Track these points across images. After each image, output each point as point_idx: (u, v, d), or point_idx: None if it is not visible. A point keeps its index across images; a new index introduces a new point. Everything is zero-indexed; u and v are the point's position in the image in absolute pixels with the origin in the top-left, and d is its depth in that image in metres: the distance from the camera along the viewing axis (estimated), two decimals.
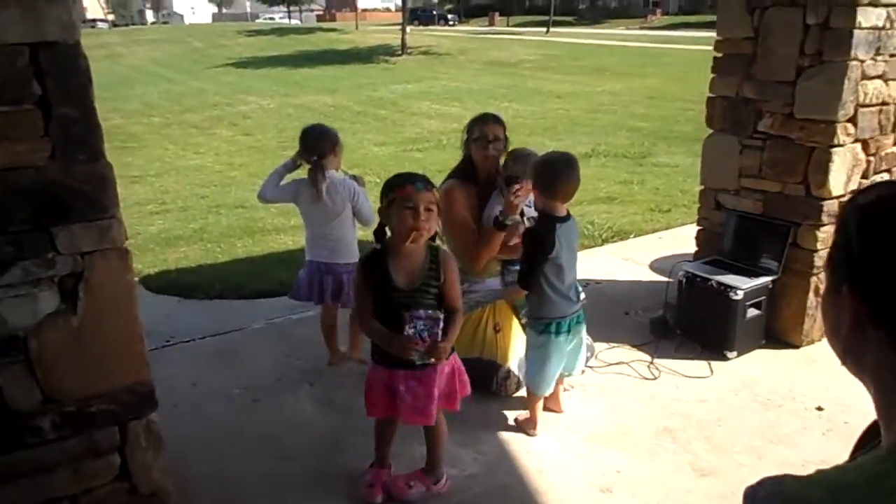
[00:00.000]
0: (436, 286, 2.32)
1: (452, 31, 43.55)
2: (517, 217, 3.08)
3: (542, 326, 2.88)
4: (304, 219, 3.57)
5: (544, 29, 39.79)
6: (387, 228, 2.31)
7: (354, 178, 3.57)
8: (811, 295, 3.59)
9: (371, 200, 3.43)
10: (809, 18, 3.34)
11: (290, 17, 72.15)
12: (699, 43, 24.44)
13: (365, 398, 2.50)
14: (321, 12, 75.30)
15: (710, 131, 4.01)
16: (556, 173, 2.77)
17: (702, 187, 4.12)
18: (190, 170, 9.22)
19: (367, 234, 3.19)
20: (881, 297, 0.74)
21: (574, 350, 2.98)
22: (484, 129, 3.28)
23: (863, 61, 3.34)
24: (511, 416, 3.11)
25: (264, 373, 3.53)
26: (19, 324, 1.67)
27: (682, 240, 5.08)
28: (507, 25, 51.56)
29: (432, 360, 2.28)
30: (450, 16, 56.95)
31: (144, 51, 31.31)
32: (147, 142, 11.44)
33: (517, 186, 2.97)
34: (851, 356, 0.84)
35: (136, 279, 4.72)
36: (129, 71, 24.51)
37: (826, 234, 3.51)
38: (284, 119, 13.13)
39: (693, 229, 4.36)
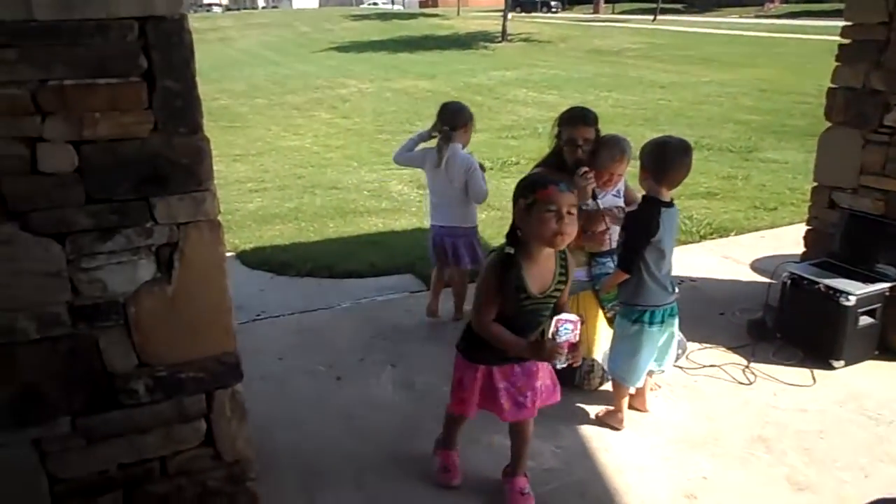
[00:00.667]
0: (561, 290, 2.25)
1: (555, 18, 42.82)
2: (589, 202, 3.00)
3: (637, 314, 2.79)
4: (428, 185, 3.91)
5: (651, 16, 38.45)
6: (518, 232, 2.17)
7: (480, 164, 3.77)
8: None
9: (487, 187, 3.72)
10: None
11: (393, 2, 73.12)
12: (820, 32, 22.98)
13: (454, 396, 2.44)
14: None
15: (828, 125, 3.73)
16: (668, 158, 2.69)
17: (815, 184, 3.85)
18: (289, 150, 9.50)
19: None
20: None
21: (665, 344, 2.88)
22: (573, 132, 3.13)
23: None
24: (593, 411, 3.03)
25: (348, 351, 3.59)
26: (119, 290, 1.75)
27: (787, 240, 4.78)
28: (613, 12, 50.15)
29: (570, 363, 2.17)
30: (553, 2, 55.87)
31: (255, 34, 32.55)
32: (251, 122, 11.87)
33: (584, 170, 2.95)
34: None
35: (233, 254, 4.92)
36: (239, 54, 25.55)
37: None
38: (382, 103, 13.32)
39: (800, 229, 4.08)
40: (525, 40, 27.09)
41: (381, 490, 2.58)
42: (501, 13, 29.83)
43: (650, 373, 2.95)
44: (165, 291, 1.79)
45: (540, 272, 2.18)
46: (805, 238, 3.94)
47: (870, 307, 3.33)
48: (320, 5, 76.06)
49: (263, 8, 77.09)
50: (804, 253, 3.93)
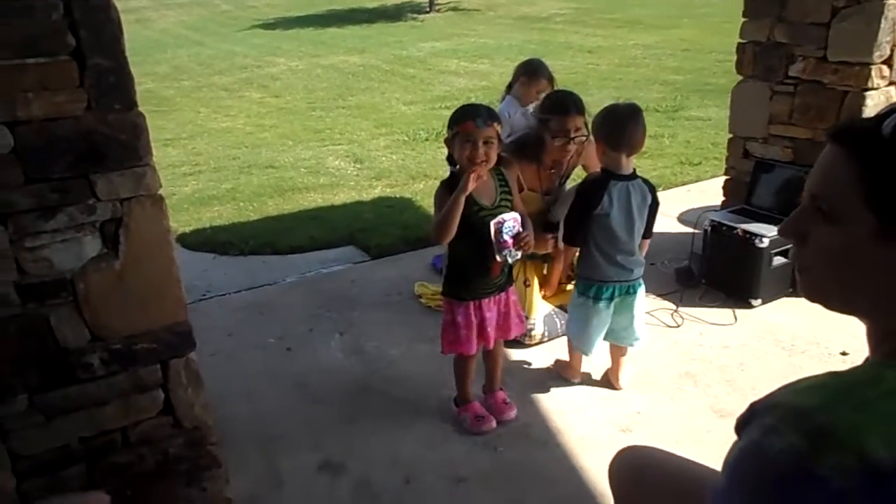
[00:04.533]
0: (510, 200, 2.53)
1: None
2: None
3: (583, 287, 2.79)
4: None
5: None
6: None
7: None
8: None
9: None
10: None
11: None
12: None
13: (448, 338, 2.63)
14: None
15: (739, 79, 3.96)
16: (618, 122, 2.66)
17: (730, 136, 4.09)
18: (221, 132, 9.33)
19: None
20: None
21: (624, 323, 2.84)
22: (565, 122, 2.99)
23: None
24: (535, 362, 3.19)
25: (297, 323, 3.65)
26: (66, 267, 1.77)
27: (711, 192, 5.04)
28: None
29: (520, 253, 2.46)
30: None
31: (174, 14, 31.35)
32: (179, 105, 11.57)
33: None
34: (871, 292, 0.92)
35: (173, 237, 4.89)
36: (160, 35, 24.62)
37: None
38: (313, 80, 13.12)
39: (722, 181, 4.33)
40: (453, 9, 26.96)
41: (337, 449, 2.68)
42: None
43: (619, 349, 2.92)
44: (113, 266, 1.82)
45: (484, 187, 2.45)
46: (724, 187, 4.20)
47: (782, 248, 3.58)
48: None
49: None
50: (724, 202, 4.18)
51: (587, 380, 3.06)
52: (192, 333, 2.00)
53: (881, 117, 0.90)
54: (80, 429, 1.90)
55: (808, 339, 3.28)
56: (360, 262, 4.45)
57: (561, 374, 3.08)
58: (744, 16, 3.84)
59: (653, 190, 2.82)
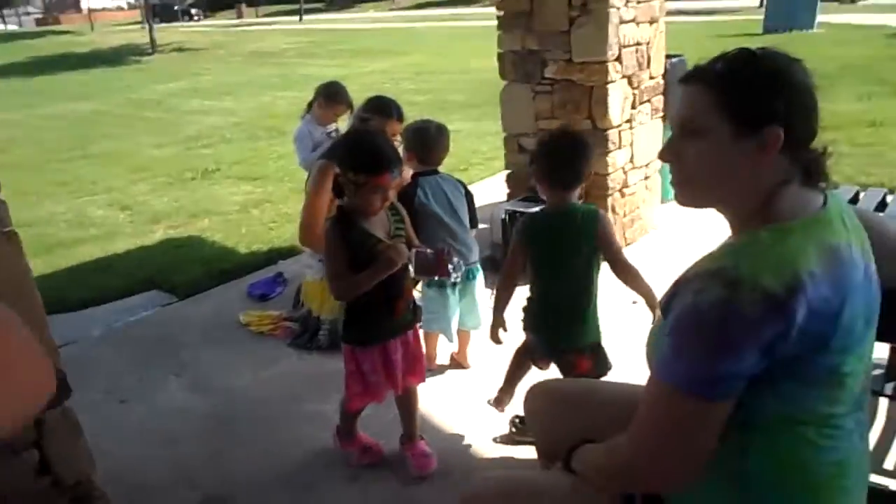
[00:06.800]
0: (403, 227, 2.36)
1: (200, 27, 41.27)
2: None
3: (429, 279, 2.90)
4: None
5: (297, 17, 39.37)
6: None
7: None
8: (610, 213, 4.23)
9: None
10: None
11: (4, 23, 63.34)
12: (446, 20, 25.95)
13: (352, 389, 2.40)
14: (41, 16, 67.12)
15: (504, 83, 4.47)
16: (430, 139, 2.97)
17: (504, 134, 4.60)
18: None
19: None
20: None
21: (468, 307, 3.09)
22: (385, 124, 3.14)
23: (619, 8, 3.96)
24: None
25: (122, 375, 3.39)
26: None
27: (487, 191, 5.58)
28: (257, 16, 50.14)
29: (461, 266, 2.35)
30: (193, 10, 53.82)
31: None
32: None
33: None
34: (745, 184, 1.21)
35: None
36: None
37: (613, 160, 4.17)
38: (38, 132, 11.75)
39: (494, 181, 4.81)
40: (178, 50, 25.93)
41: (213, 483, 2.57)
42: (140, 25, 28.01)
43: (464, 332, 3.17)
44: None
45: (379, 220, 2.27)
46: (507, 181, 4.69)
47: None
48: None
49: None
50: (509, 194, 4.67)
51: (440, 365, 3.27)
52: (66, 380, 1.82)
53: (712, 62, 1.25)
54: None
55: (602, 297, 3.84)
56: (169, 303, 4.21)
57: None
58: (499, 29, 4.37)
59: (461, 182, 3.16)
